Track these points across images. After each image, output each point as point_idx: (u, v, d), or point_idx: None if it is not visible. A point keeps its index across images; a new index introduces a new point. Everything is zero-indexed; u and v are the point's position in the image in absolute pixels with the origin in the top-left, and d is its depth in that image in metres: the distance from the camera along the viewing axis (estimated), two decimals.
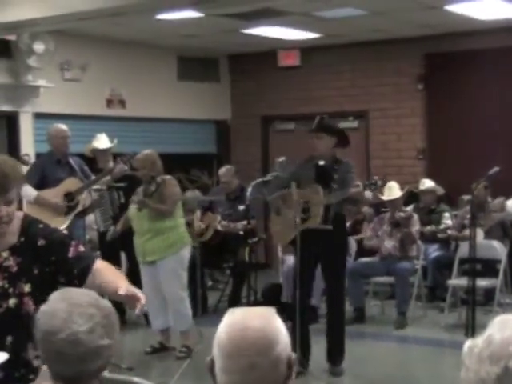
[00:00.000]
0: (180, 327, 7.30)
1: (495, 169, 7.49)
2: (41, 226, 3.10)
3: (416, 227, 8.58)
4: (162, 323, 7.38)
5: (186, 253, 7.33)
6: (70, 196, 7.61)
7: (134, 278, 8.10)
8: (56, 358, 2.10)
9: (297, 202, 6.33)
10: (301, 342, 6.38)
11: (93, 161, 8.47)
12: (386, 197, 8.73)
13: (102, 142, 8.44)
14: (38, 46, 9.43)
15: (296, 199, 6.27)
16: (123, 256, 8.75)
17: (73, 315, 2.10)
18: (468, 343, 1.60)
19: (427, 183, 9.73)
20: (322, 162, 6.48)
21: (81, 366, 2.10)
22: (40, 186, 7.61)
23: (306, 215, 6.42)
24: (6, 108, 9.70)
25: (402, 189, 8.77)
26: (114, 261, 8.58)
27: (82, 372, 2.11)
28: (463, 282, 7.94)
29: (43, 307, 2.18)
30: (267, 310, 1.93)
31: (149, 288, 7.31)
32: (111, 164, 8.12)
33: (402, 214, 8.55)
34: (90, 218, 8.70)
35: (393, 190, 8.68)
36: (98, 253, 9.11)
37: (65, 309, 2.12)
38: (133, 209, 7.30)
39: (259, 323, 1.86)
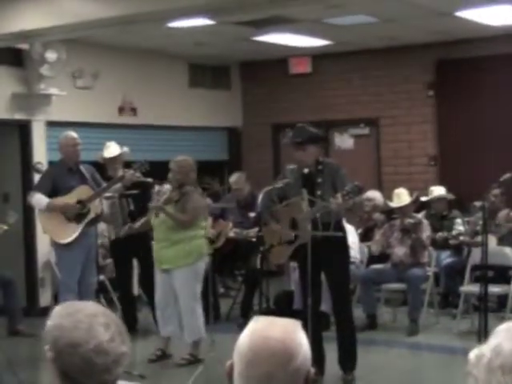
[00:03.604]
0: (191, 338, 7.30)
1: (507, 175, 7.47)
2: None
3: (426, 233, 8.55)
4: (171, 331, 7.40)
5: (202, 264, 7.34)
6: (81, 204, 7.62)
7: (147, 284, 8.15)
8: (82, 369, 2.07)
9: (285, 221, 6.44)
10: (314, 350, 6.37)
11: (105, 168, 8.50)
12: (394, 204, 8.72)
13: (110, 150, 8.47)
14: (50, 55, 9.47)
15: (305, 208, 6.26)
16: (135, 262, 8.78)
17: (94, 325, 2.09)
18: (474, 352, 1.58)
19: (436, 191, 9.69)
20: (306, 170, 6.49)
21: (105, 376, 2.08)
22: (51, 194, 7.63)
23: (296, 232, 6.46)
24: (18, 116, 9.74)
25: (411, 195, 8.75)
26: (126, 267, 8.63)
27: (106, 381, 2.10)
28: (475, 288, 7.92)
29: (53, 322, 2.14)
30: (292, 323, 1.93)
31: (162, 295, 7.34)
32: (121, 172, 8.11)
33: (410, 220, 8.53)
34: (102, 225, 8.72)
35: (402, 197, 8.67)
36: (110, 260, 9.15)
37: (84, 320, 2.10)
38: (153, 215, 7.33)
39: (281, 335, 1.86)
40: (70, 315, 2.12)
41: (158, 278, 7.37)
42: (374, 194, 10.05)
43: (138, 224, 7.85)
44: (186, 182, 7.25)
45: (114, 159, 8.40)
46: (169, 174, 7.35)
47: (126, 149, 8.59)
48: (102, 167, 8.48)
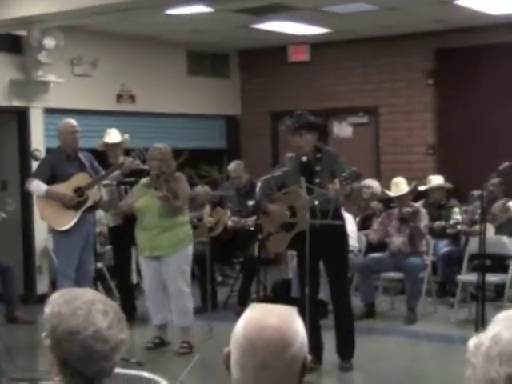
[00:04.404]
0: (182, 323, 7.33)
1: (506, 164, 7.47)
2: None
3: (424, 222, 8.55)
4: (162, 318, 7.42)
5: (191, 249, 7.41)
6: (79, 191, 7.61)
7: None
8: (80, 356, 2.06)
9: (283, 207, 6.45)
10: (312, 338, 6.37)
11: (103, 155, 8.49)
12: (393, 193, 8.71)
13: (112, 136, 8.47)
14: (49, 42, 9.44)
15: (303, 196, 6.25)
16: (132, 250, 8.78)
17: (92, 312, 2.08)
18: (473, 340, 1.57)
19: (434, 180, 9.69)
20: (304, 158, 6.48)
21: (104, 363, 2.08)
22: (50, 181, 7.62)
23: (294, 219, 6.45)
24: (16, 103, 9.71)
25: (409, 184, 8.74)
26: (125, 254, 8.63)
27: (104, 368, 2.10)
28: (473, 277, 7.92)
29: (51, 309, 2.12)
30: (288, 310, 1.91)
31: (152, 283, 7.34)
32: (121, 159, 8.11)
33: (408, 209, 8.53)
34: (100, 212, 8.72)
35: (400, 186, 8.66)
36: (109, 247, 9.15)
37: (83, 307, 2.09)
38: (142, 202, 7.29)
39: (277, 323, 1.84)
40: (68, 302, 2.11)
41: (146, 266, 7.36)
42: (372, 183, 10.05)
43: (129, 201, 7.79)
44: (169, 169, 7.26)
45: (115, 146, 8.41)
46: (150, 163, 7.31)
47: (126, 136, 8.58)
48: (101, 155, 8.47)
